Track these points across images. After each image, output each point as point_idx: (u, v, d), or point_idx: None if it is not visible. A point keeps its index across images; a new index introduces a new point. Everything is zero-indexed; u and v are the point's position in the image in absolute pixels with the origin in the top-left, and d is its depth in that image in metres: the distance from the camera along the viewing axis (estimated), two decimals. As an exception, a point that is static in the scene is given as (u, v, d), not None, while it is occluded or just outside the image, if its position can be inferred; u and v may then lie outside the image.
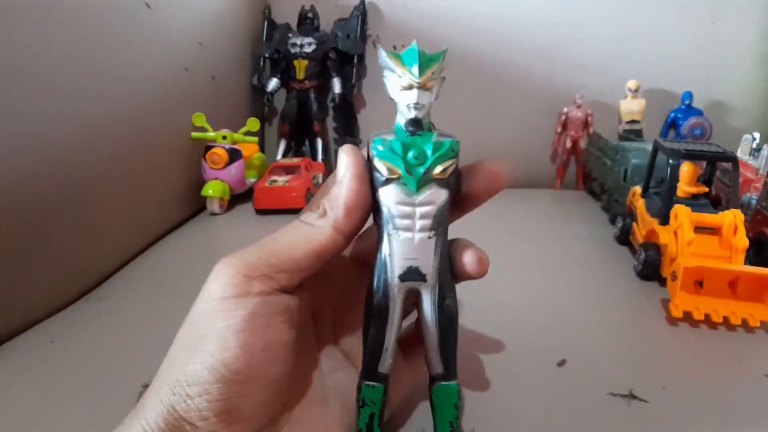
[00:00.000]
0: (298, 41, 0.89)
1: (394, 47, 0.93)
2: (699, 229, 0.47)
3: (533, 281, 0.52)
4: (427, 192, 0.26)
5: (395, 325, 0.27)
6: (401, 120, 0.27)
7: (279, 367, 0.25)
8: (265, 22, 0.93)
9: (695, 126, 0.82)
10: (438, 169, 0.26)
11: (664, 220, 0.50)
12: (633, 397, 0.35)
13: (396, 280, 0.26)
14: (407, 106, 0.26)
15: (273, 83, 0.91)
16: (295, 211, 0.61)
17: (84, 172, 0.50)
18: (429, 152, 0.26)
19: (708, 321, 0.43)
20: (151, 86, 0.63)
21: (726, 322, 0.43)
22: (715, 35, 0.88)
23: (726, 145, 0.54)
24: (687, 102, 0.85)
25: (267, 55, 0.92)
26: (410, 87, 0.25)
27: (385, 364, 0.27)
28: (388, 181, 0.26)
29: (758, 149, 0.67)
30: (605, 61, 0.89)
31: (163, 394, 0.22)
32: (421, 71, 0.25)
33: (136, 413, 0.23)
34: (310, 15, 0.91)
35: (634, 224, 0.58)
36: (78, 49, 0.50)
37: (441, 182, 0.26)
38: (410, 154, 0.26)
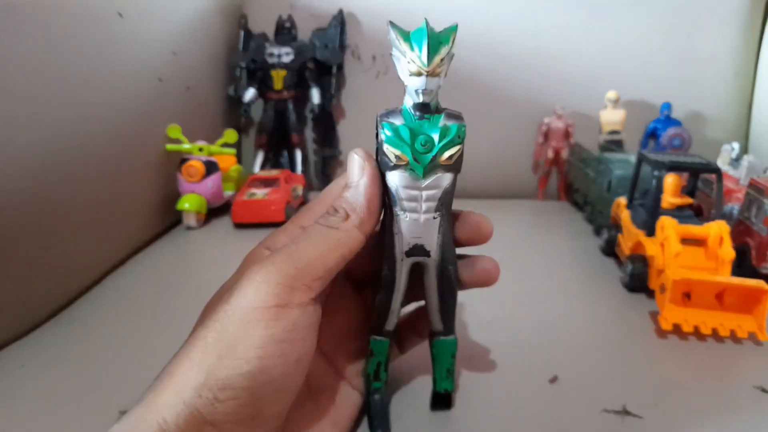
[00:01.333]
0: (276, 51, 0.87)
1: (374, 57, 0.93)
2: (684, 241, 0.47)
3: (520, 294, 0.51)
4: (433, 177, 0.27)
5: (401, 292, 0.30)
6: (409, 102, 0.27)
7: (304, 375, 0.26)
8: (242, 32, 0.91)
9: (674, 136, 0.83)
10: (444, 156, 0.27)
11: (650, 232, 0.50)
12: (627, 413, 0.34)
13: (402, 255, 0.28)
14: (415, 90, 0.26)
15: (250, 94, 0.88)
16: (275, 225, 0.60)
17: (52, 186, 0.48)
18: (436, 139, 0.26)
19: (697, 333, 0.43)
20: (123, 97, 0.60)
21: (714, 333, 0.43)
22: (692, 48, 0.89)
23: (704, 155, 0.54)
24: (666, 113, 0.85)
25: (243, 65, 0.89)
26: (419, 74, 0.25)
27: (391, 323, 0.31)
28: (395, 166, 0.27)
29: (737, 159, 0.68)
30: (585, 72, 0.89)
31: (186, 395, 0.22)
32: (430, 58, 0.25)
33: (146, 411, 0.22)
34: (287, 24, 0.89)
35: (619, 236, 0.57)
36: (47, 58, 0.48)
37: (446, 167, 0.27)
38: (418, 142, 0.26)
